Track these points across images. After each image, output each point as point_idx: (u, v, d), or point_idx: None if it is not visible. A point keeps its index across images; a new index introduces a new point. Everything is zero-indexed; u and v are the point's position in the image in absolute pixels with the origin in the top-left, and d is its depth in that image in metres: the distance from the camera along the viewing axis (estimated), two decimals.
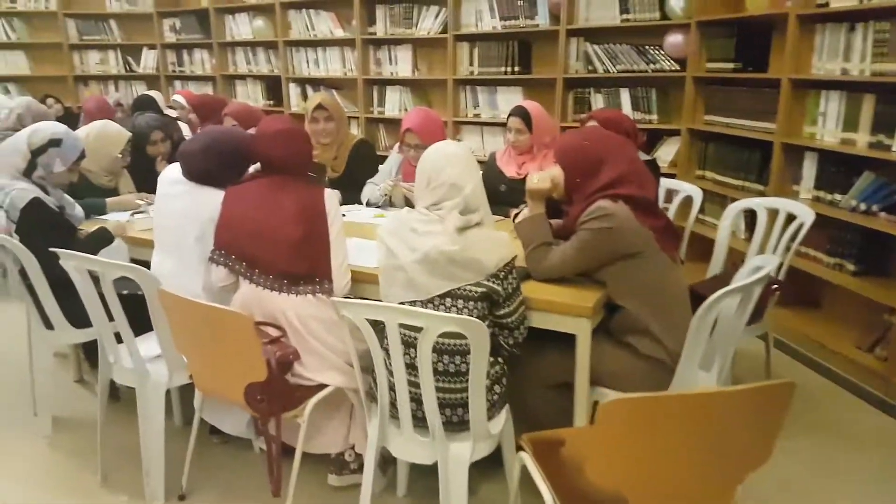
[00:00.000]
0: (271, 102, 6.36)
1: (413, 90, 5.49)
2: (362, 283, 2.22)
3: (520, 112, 3.11)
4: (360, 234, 2.64)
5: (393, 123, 5.69)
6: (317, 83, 6.01)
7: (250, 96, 6.49)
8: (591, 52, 4.52)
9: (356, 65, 5.65)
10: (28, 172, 2.56)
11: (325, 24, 5.77)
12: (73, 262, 2.14)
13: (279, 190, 2.13)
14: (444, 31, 5.09)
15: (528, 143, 3.13)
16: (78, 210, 2.86)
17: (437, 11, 5.13)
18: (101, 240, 2.67)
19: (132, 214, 3.01)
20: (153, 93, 5.47)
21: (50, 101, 5.81)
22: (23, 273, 2.48)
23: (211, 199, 2.24)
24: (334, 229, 2.13)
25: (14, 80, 6.95)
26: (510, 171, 3.18)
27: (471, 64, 5.05)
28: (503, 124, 4.97)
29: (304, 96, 6.07)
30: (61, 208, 2.65)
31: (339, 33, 5.70)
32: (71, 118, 5.50)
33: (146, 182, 3.29)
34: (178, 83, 7.02)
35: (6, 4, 6.74)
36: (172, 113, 5.29)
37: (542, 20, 4.68)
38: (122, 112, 5.23)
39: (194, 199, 2.30)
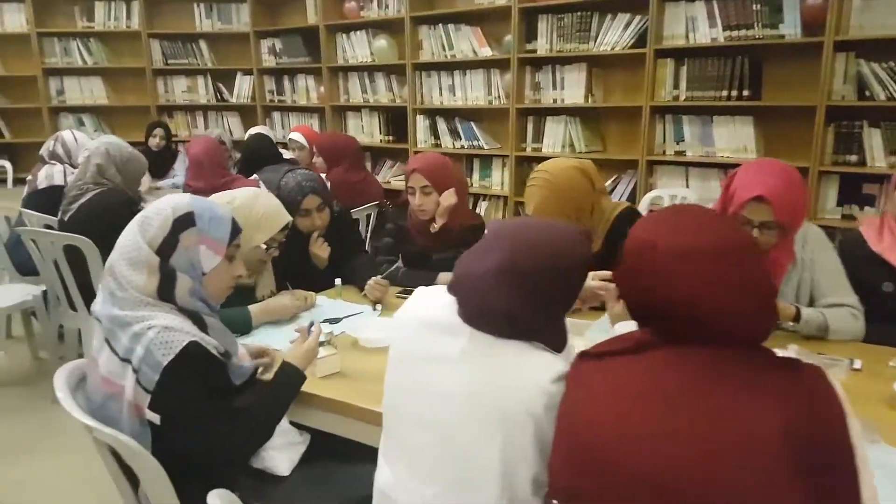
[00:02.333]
0: (391, 138, 5.29)
1: (584, 121, 4.34)
2: None
3: None
4: None
5: None
6: (450, 114, 4.91)
7: (365, 130, 5.43)
8: (868, 71, 3.31)
9: (507, 91, 4.55)
10: (166, 292, 1.44)
11: (466, 42, 4.69)
12: None
13: (711, 375, 0.95)
14: (640, 44, 3.95)
15: None
16: (240, 356, 1.64)
17: (629, 20, 4.00)
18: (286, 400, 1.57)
19: (318, 347, 1.75)
20: (263, 129, 4.46)
21: (158, 131, 4.86)
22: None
23: (533, 376, 1.11)
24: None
25: (89, 110, 6.04)
26: None
27: (675, 87, 3.88)
28: (720, 165, 3.82)
29: (434, 130, 4.98)
30: (226, 356, 1.51)
31: (485, 52, 4.61)
32: (165, 159, 4.50)
33: (294, 273, 2.22)
34: (276, 115, 6.03)
35: (82, 24, 5.87)
36: (285, 154, 4.26)
37: (791, 29, 3.49)
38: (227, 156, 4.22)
39: (494, 372, 1.16)
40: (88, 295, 2.99)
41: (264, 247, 2.07)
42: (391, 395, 1.32)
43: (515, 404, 1.11)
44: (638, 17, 3.96)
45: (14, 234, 3.71)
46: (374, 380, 1.66)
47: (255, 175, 3.52)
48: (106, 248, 2.93)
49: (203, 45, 6.00)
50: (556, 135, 4.41)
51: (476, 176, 4.89)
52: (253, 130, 4.50)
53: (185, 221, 1.46)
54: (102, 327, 1.44)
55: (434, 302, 1.27)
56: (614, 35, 4.07)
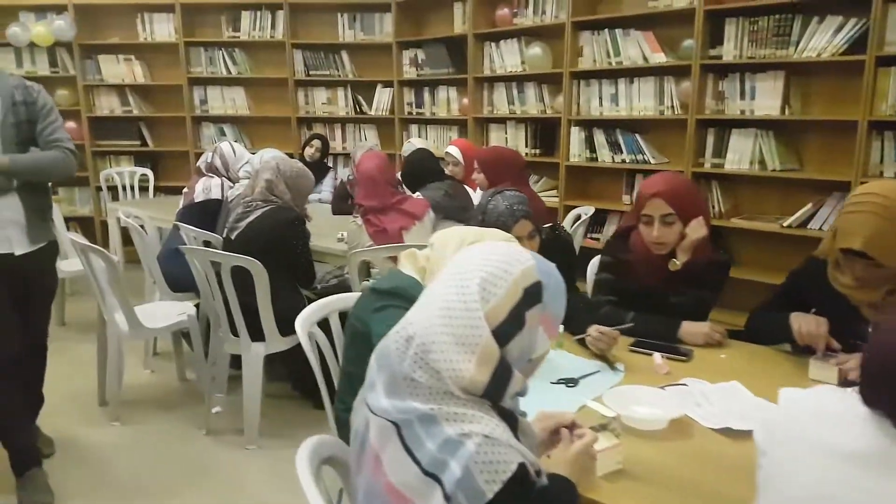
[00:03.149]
0: (538, 151, 4.93)
1: (778, 134, 3.81)
2: None
3: None
4: None
5: (736, 181, 4.05)
6: (611, 125, 4.49)
7: (509, 143, 5.10)
8: None
9: (683, 100, 4.08)
10: (495, 392, 1.05)
11: (635, 48, 4.27)
12: None
13: None
14: (856, 50, 3.40)
15: None
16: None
17: (842, 24, 3.45)
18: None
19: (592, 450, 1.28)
20: (419, 142, 4.21)
21: (315, 142, 4.77)
22: None
23: None
24: None
25: (230, 120, 6.04)
26: None
27: None
28: None
29: (591, 143, 4.57)
30: (538, 472, 1.08)
31: (658, 58, 4.17)
32: (317, 172, 4.33)
33: None
34: (414, 127, 5.80)
35: (228, 34, 5.87)
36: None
37: None
38: None
39: None
40: (252, 320, 2.78)
41: None
42: None
43: None
44: (853, 20, 3.41)
45: (169, 247, 3.61)
46: (665, 481, 1.27)
47: (417, 193, 3.24)
48: (276, 269, 2.77)
49: (345, 55, 5.86)
50: (742, 149, 3.90)
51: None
52: (415, 143, 4.24)
53: (535, 294, 1.08)
54: (386, 417, 1.06)
55: (836, 416, 0.87)
56: (821, 39, 3.54)
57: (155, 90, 6.11)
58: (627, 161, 4.43)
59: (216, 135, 6.06)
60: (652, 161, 4.31)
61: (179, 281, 3.52)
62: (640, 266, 2.08)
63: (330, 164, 5.67)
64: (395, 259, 2.86)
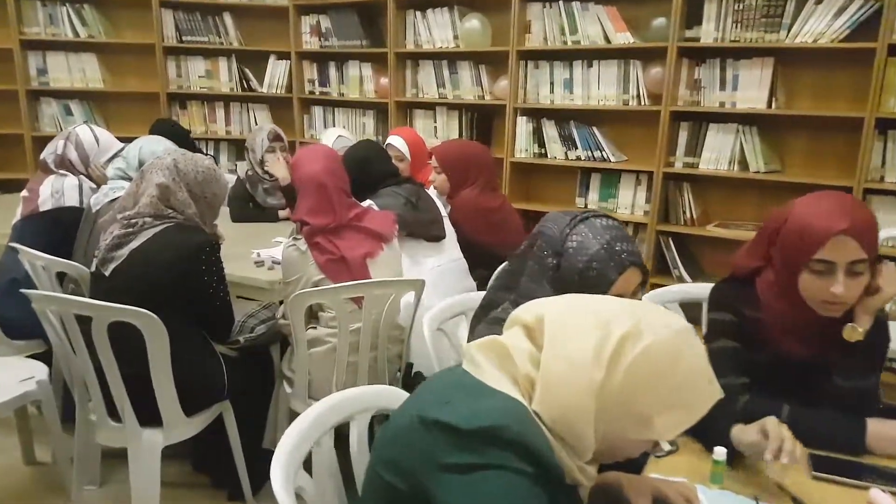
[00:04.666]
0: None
1: (763, 131, 3.35)
2: None
3: None
4: None
5: (709, 183, 3.57)
6: (563, 116, 3.87)
7: (438, 133, 4.35)
8: None
9: (653, 88, 3.53)
10: None
11: (594, 25, 3.65)
12: None
13: None
14: (861, 36, 2.99)
15: None
16: None
17: (844, 5, 3.03)
18: None
19: None
20: (336, 133, 3.34)
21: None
22: None
23: None
24: None
25: (79, 95, 4.79)
26: None
27: None
28: None
29: (539, 136, 3.94)
30: None
31: (623, 38, 3.58)
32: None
33: None
34: (316, 110, 4.87)
35: None
36: None
37: None
38: None
39: None
40: (142, 396, 1.87)
41: None
42: None
43: None
44: (859, 3, 2.99)
45: (2, 277, 2.53)
46: None
47: (368, 201, 2.41)
48: (178, 321, 1.86)
49: (228, 18, 4.80)
50: (721, 148, 3.42)
51: (594, 196, 3.87)
52: (337, 134, 3.35)
53: None
54: None
55: None
56: (819, 23, 3.09)
57: None
58: (583, 158, 3.83)
59: (60, 114, 4.79)
60: (612, 159, 3.74)
61: (18, 324, 2.47)
62: (780, 328, 1.41)
63: (207, 152, 4.66)
64: (357, 301, 2.04)
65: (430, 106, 4.38)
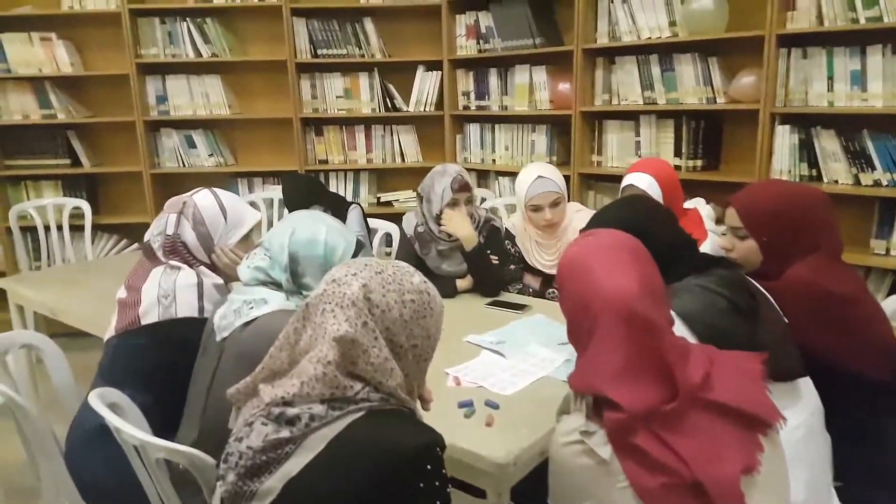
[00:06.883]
0: (699, 164, 3.11)
1: None
2: None
3: None
4: None
5: None
6: (848, 123, 2.70)
7: (642, 149, 3.28)
8: None
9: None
10: None
11: None
12: None
13: None
14: None
15: None
16: None
17: None
18: None
19: None
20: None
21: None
22: None
23: None
24: None
25: (204, 124, 4.11)
26: None
27: None
28: None
29: (809, 152, 2.78)
30: None
31: None
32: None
33: None
34: (471, 128, 3.94)
35: None
36: None
37: None
38: None
39: None
40: None
41: None
42: None
43: None
44: None
45: (80, 434, 1.66)
46: None
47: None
48: None
49: (369, 25, 3.94)
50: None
51: None
52: (536, 173, 2.34)
53: None
54: None
55: None
56: None
57: (89, 83, 4.13)
58: (883, 183, 2.64)
59: (182, 146, 4.14)
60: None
61: (103, 486, 1.63)
62: None
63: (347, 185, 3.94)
64: None
65: (630, 115, 3.32)
